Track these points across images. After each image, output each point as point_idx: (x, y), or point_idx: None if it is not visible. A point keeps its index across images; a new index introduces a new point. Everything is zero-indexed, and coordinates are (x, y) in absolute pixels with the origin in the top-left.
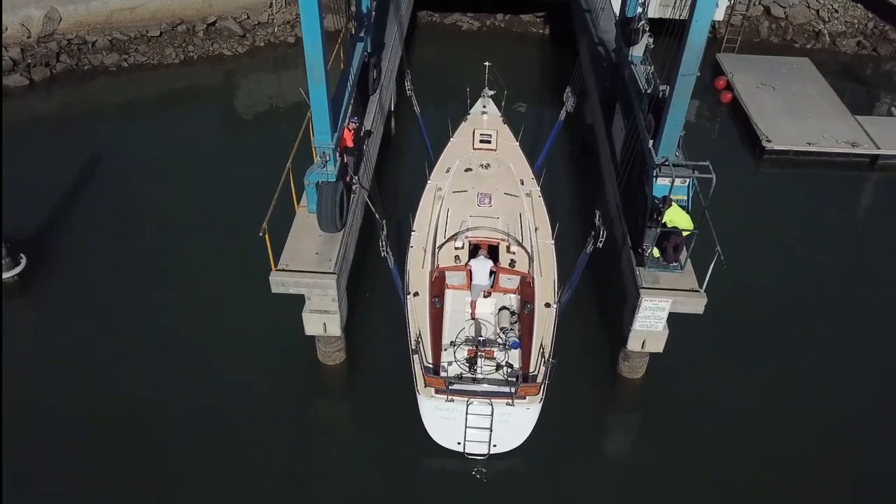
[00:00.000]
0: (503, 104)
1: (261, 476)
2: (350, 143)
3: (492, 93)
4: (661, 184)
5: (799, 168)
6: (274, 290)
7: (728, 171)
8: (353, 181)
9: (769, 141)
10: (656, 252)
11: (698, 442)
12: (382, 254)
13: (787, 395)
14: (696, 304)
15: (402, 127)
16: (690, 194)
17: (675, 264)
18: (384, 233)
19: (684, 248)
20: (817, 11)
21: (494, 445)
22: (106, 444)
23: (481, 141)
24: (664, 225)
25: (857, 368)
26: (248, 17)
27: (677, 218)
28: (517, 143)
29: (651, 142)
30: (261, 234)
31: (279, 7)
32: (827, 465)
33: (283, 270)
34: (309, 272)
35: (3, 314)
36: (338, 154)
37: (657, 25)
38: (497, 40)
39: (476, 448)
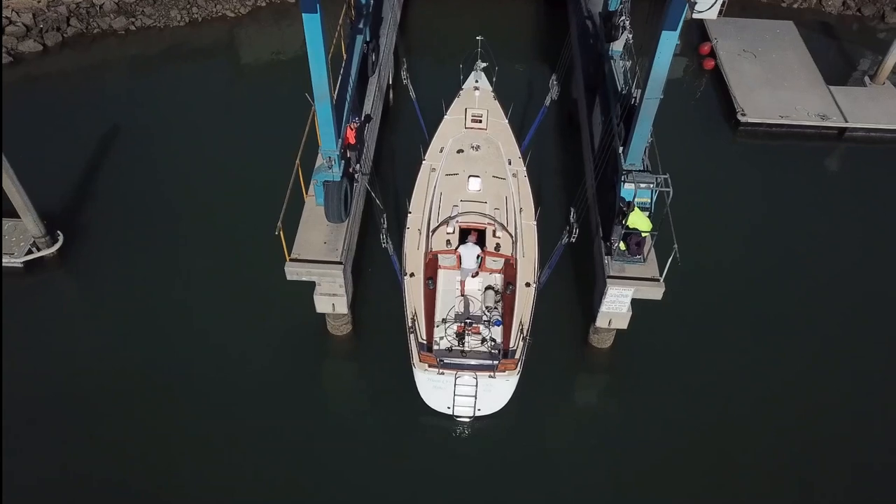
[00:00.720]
0: (494, 78)
1: (277, 425)
2: (352, 140)
3: (484, 65)
4: (627, 188)
5: (772, 139)
6: (289, 277)
7: (704, 142)
8: (356, 171)
9: (744, 114)
10: (622, 245)
11: (658, 398)
12: (383, 245)
13: (739, 361)
14: (655, 292)
15: (399, 97)
16: (654, 198)
17: (638, 257)
18: (384, 224)
19: (646, 243)
20: None
21: (479, 410)
22: (141, 399)
23: (473, 120)
24: (627, 227)
25: (809, 334)
26: None
27: (638, 221)
28: (506, 122)
29: (621, 148)
30: (276, 232)
31: None
32: (767, 419)
33: (296, 260)
34: (318, 262)
35: (49, 286)
36: (342, 155)
37: None
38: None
39: (463, 411)
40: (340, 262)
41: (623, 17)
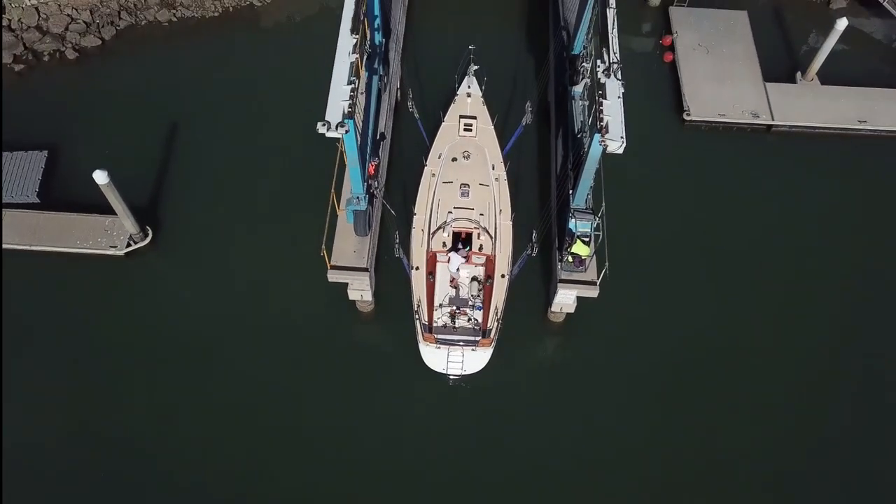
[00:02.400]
0: (486, 79)
1: (312, 371)
2: (372, 172)
3: (475, 68)
4: (572, 223)
5: (712, 133)
6: (330, 280)
7: (654, 136)
8: (375, 191)
9: (689, 114)
10: (570, 258)
11: (596, 353)
12: (396, 255)
13: (668, 328)
14: (592, 292)
15: (405, 95)
16: (593, 228)
17: (580, 268)
18: (397, 239)
19: (587, 259)
20: None
21: (464, 370)
22: (223, 345)
23: (465, 128)
24: (570, 254)
25: (728, 306)
26: None
27: (580, 248)
28: (492, 127)
29: (570, 190)
30: (321, 254)
31: None
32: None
33: (335, 268)
34: (350, 269)
35: (145, 269)
36: (366, 189)
37: None
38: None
39: (453, 370)
40: (366, 269)
41: (584, 64)
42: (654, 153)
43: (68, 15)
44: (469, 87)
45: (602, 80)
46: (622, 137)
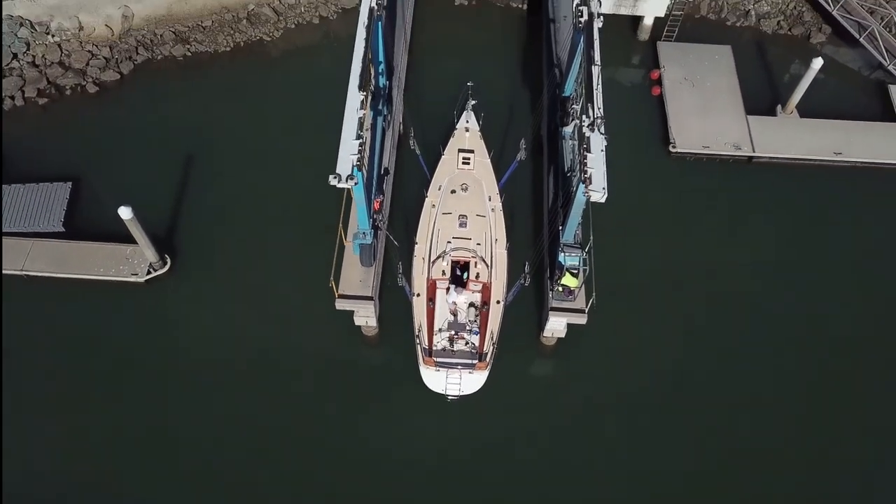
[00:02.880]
0: (483, 113)
1: (327, 385)
2: (377, 207)
3: (473, 102)
4: (561, 257)
5: (697, 164)
6: (338, 308)
7: (642, 166)
8: (379, 223)
9: (675, 146)
10: (560, 289)
11: (590, 375)
12: (399, 284)
13: (652, 352)
14: (581, 319)
15: (408, 131)
16: (581, 260)
17: (570, 297)
18: (400, 269)
19: (576, 290)
20: None
21: (462, 390)
22: (234, 367)
23: (463, 161)
24: (560, 285)
25: (706, 325)
26: (280, 1)
27: (569, 280)
28: (489, 160)
29: (560, 226)
30: (329, 285)
31: None
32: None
33: (343, 297)
34: (356, 297)
35: (164, 294)
36: (371, 224)
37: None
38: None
39: (452, 391)
40: (371, 298)
41: (574, 106)
42: (641, 183)
43: (89, 51)
44: (467, 121)
45: (587, 134)
46: (604, 189)
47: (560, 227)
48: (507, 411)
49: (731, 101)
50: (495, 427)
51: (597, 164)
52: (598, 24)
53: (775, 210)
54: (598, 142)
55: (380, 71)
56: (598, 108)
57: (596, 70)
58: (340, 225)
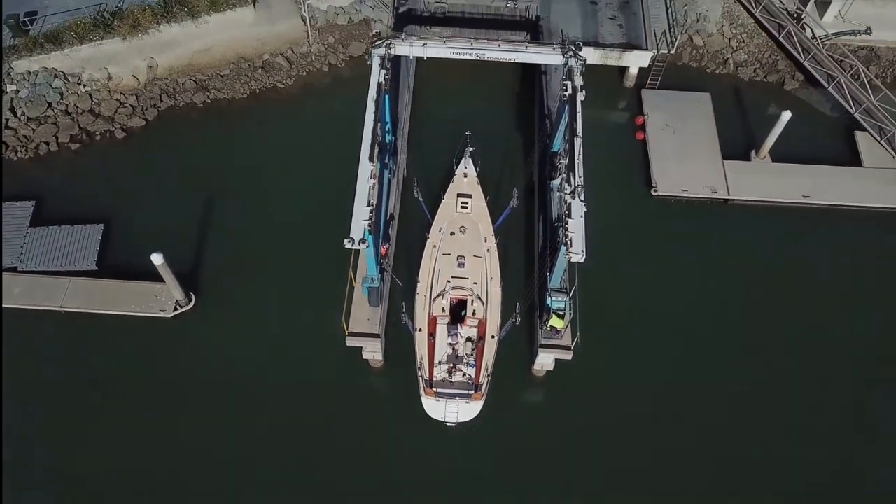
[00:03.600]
0: (479, 161)
1: (334, 411)
2: (384, 253)
3: (471, 149)
4: (549, 300)
5: (676, 206)
6: (348, 344)
7: (625, 209)
8: (385, 266)
9: (656, 190)
10: (549, 328)
11: (575, 404)
12: (403, 322)
13: (633, 384)
14: (567, 355)
15: (411, 179)
16: (567, 304)
17: (557, 335)
18: (404, 309)
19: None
20: (729, 41)
21: (459, 418)
22: (251, 393)
23: (461, 206)
24: (548, 325)
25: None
26: (292, 51)
27: (555, 322)
28: (485, 204)
29: (548, 272)
30: (340, 325)
31: (314, 40)
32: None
33: (353, 334)
34: (364, 335)
35: (190, 329)
36: (378, 269)
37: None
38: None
39: (450, 418)
40: (378, 335)
41: (561, 161)
42: (624, 225)
43: (117, 99)
44: (466, 167)
45: (568, 202)
46: (583, 251)
47: (548, 273)
48: (499, 437)
49: (709, 146)
50: (490, 449)
51: (577, 228)
52: (580, 97)
53: (750, 249)
54: (578, 208)
55: (386, 129)
56: (580, 177)
57: (578, 141)
58: (350, 269)
